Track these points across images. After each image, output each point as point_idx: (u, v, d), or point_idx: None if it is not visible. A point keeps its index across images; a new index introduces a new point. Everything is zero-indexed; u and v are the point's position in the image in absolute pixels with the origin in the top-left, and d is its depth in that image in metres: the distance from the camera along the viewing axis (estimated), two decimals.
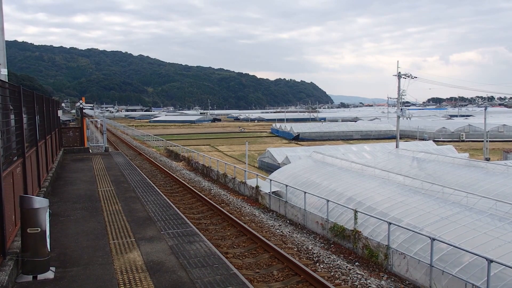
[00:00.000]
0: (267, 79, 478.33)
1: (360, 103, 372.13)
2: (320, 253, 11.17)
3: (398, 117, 32.96)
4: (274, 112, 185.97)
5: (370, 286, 9.21)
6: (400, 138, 34.90)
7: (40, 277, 6.01)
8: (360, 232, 12.17)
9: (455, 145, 46.25)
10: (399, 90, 32.42)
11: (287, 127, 72.48)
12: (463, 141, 60.51)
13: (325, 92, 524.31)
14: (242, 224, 12.78)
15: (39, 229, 5.94)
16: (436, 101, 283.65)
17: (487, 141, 37.97)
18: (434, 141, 46.99)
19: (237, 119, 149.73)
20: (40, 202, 6.02)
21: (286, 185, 17.06)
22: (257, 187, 18.84)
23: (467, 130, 63.63)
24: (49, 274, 6.10)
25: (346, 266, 10.31)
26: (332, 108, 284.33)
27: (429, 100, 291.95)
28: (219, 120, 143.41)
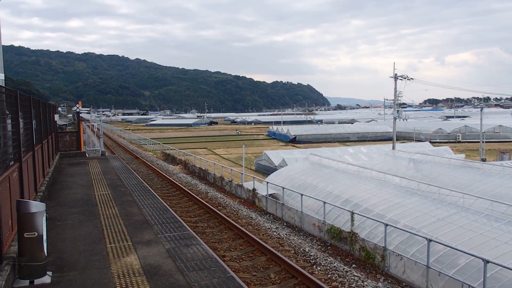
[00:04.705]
0: (264, 82, 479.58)
1: (357, 105, 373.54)
2: (317, 256, 11.20)
3: (395, 118, 33.05)
4: (271, 115, 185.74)
5: None
6: (397, 140, 34.99)
7: (37, 281, 6.00)
8: (357, 234, 12.19)
9: (452, 146, 46.48)
10: (395, 91, 32.50)
11: (284, 129, 72.52)
12: (459, 142, 60.73)
13: (322, 94, 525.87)
14: (239, 227, 12.79)
15: (36, 234, 5.93)
16: (433, 102, 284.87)
17: (483, 142, 38.16)
18: (430, 142, 47.12)
19: (234, 122, 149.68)
20: (36, 207, 6.02)
21: (283, 188, 17.07)
22: (254, 189, 18.85)
23: (463, 131, 63.86)
24: (46, 279, 6.09)
25: (343, 268, 10.33)
26: (329, 110, 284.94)
27: (425, 102, 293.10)
28: (216, 123, 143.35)
